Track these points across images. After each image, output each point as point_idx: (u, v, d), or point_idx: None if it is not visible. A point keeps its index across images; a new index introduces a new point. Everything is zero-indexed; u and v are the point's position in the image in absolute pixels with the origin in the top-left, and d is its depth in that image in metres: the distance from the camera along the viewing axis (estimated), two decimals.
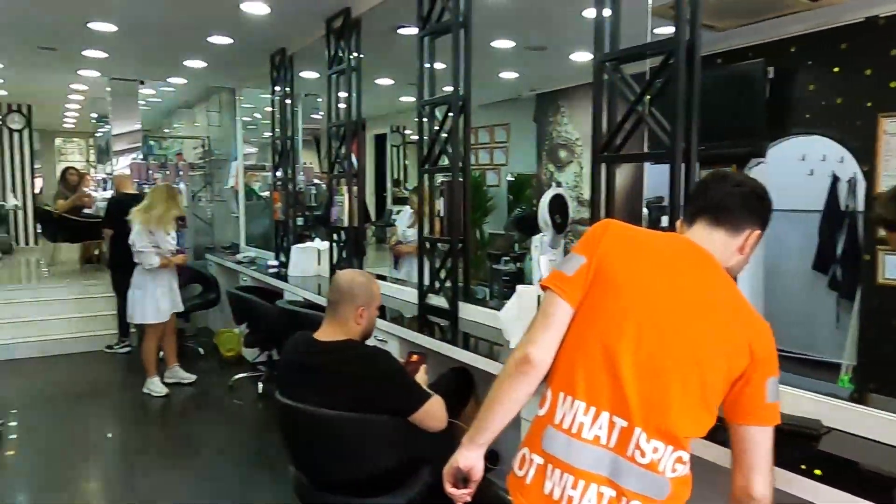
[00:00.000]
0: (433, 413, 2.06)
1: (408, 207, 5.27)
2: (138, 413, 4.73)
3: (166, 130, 10.65)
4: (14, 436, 4.16)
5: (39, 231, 9.44)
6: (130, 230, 4.85)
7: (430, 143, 3.28)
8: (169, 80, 6.80)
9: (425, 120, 3.33)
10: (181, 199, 5.38)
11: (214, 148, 7.79)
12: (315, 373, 2.08)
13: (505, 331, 2.52)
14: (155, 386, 4.92)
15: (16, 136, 10.85)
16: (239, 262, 5.78)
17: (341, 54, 4.25)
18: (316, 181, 6.90)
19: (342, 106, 4.34)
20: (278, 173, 5.58)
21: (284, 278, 4.85)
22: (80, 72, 6.47)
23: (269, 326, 4.52)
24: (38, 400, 4.97)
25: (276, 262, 5.40)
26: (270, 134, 6.15)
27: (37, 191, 11.58)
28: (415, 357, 2.42)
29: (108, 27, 4.64)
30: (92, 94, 8.76)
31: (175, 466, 3.76)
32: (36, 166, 11.65)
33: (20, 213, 10.80)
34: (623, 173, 2.54)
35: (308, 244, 5.06)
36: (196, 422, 4.60)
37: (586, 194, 5.66)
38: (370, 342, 2.27)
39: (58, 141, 15.19)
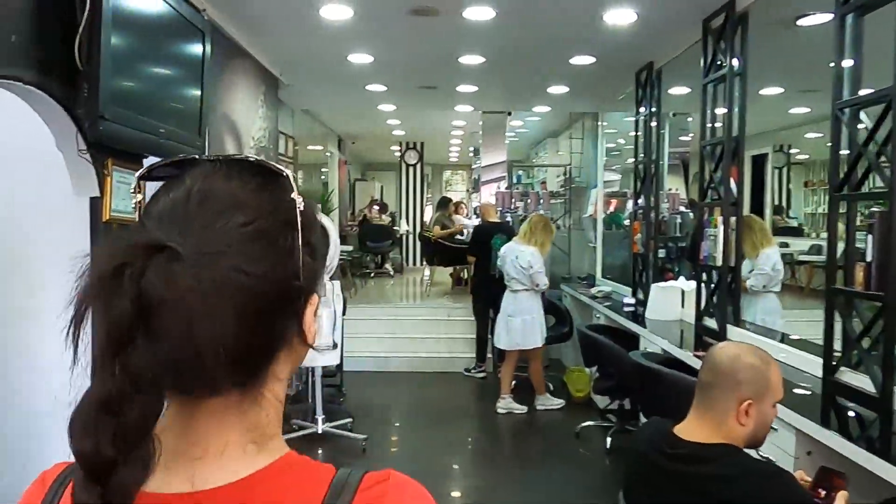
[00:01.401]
0: None
1: None
2: (489, 435, 5.01)
3: (533, 160, 11.03)
4: (395, 437, 4.86)
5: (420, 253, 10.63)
6: (492, 257, 5.15)
7: (851, 160, 2.38)
8: (534, 109, 6.84)
9: (843, 127, 2.44)
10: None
11: (575, 175, 7.61)
12: (675, 482, 1.48)
13: None
14: (548, 402, 5.21)
15: (411, 169, 12.50)
16: (593, 297, 5.39)
17: (720, 60, 3.53)
18: (682, 209, 6.15)
19: (718, 124, 3.61)
20: (640, 201, 5.04)
21: (641, 320, 4.28)
22: (456, 108, 6.92)
23: (622, 377, 3.99)
24: (410, 410, 5.57)
25: (632, 300, 4.86)
26: (633, 159, 5.68)
27: (426, 218, 13.17)
28: (836, 479, 1.55)
29: (476, 59, 4.73)
30: (469, 128, 9.49)
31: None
32: (427, 196, 13.27)
33: (410, 237, 12.34)
34: None
35: (671, 283, 4.38)
36: (539, 465, 4.36)
37: None
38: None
39: (446, 173, 17.18)
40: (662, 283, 4.32)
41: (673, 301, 4.22)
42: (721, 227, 3.51)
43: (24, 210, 2.82)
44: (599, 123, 6.62)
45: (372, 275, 10.09)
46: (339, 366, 5.10)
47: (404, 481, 0.57)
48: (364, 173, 14.97)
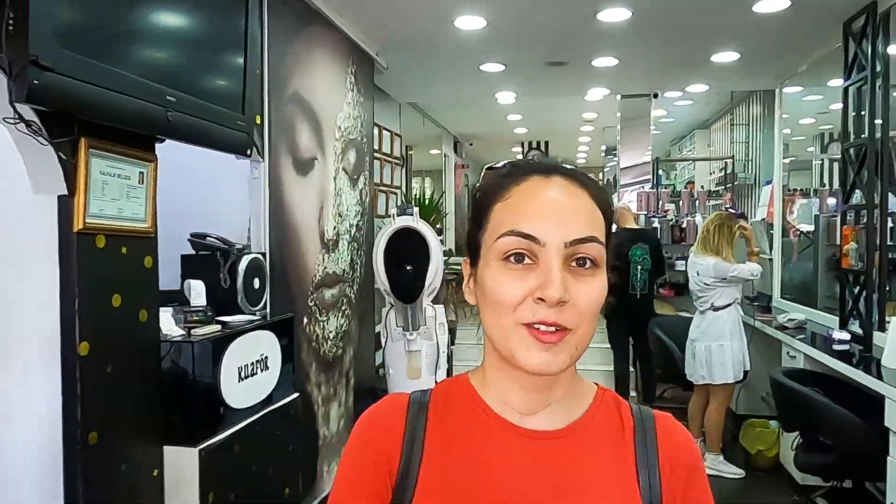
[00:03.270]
0: None
1: None
2: None
3: (675, 157, 9.56)
4: None
5: None
6: (630, 271, 4.48)
7: None
8: (687, 88, 5.53)
9: None
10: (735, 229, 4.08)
11: (739, 171, 6.19)
12: None
13: None
14: (721, 468, 3.99)
15: None
16: (782, 328, 4.03)
17: None
18: None
19: None
20: (854, 197, 3.65)
21: (873, 369, 2.94)
22: (589, 92, 5.76)
23: (851, 454, 2.70)
24: None
25: (845, 336, 3.49)
26: (815, 147, 4.35)
27: None
28: None
29: (621, 13, 3.59)
30: (601, 122, 8.27)
31: None
32: None
33: None
34: None
35: None
36: None
37: None
38: None
39: None
40: None
41: None
42: None
43: None
44: (777, 101, 5.20)
45: None
46: None
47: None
48: None
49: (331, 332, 3.54)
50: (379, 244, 3.32)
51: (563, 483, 0.71)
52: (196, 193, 2.80)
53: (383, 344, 3.49)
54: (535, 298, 0.65)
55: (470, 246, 0.76)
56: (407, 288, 3.26)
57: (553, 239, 0.66)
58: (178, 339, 2.12)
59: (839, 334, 3.51)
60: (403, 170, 7.56)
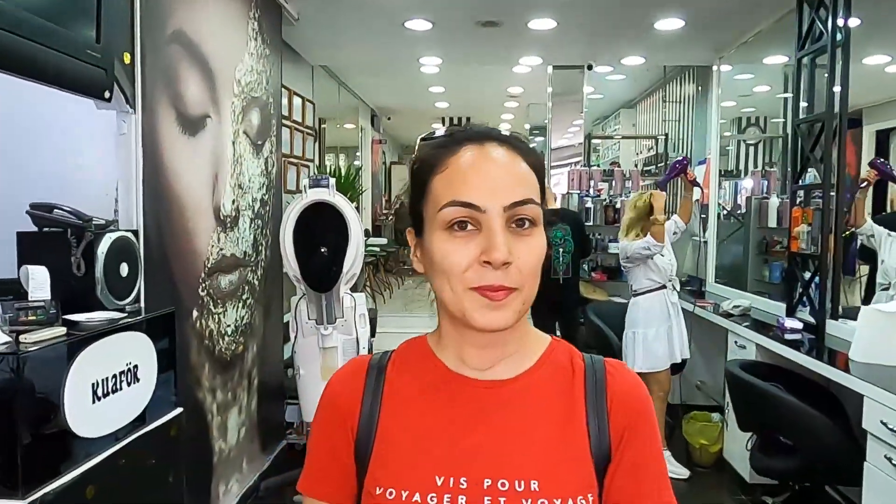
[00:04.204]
0: None
1: None
2: None
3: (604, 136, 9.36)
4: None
5: None
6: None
7: None
8: (623, 61, 5.22)
9: None
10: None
11: (670, 151, 5.98)
12: None
13: None
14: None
15: None
16: (727, 315, 3.78)
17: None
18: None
19: None
20: (805, 177, 3.43)
21: (833, 360, 2.71)
22: (522, 59, 5.35)
23: (816, 451, 2.44)
24: None
25: (797, 325, 3.26)
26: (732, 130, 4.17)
27: None
28: None
29: None
30: (527, 98, 7.94)
31: None
32: None
33: None
34: None
35: (883, 306, 2.76)
36: None
37: None
38: None
39: None
40: (882, 306, 2.69)
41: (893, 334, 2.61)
42: None
43: None
44: (715, 78, 4.97)
45: (411, 273, 8.63)
46: None
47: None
48: (401, 156, 13.52)
49: (228, 326, 2.97)
50: (287, 222, 2.77)
51: (511, 427, 0.75)
52: (44, 152, 2.16)
53: (292, 339, 2.95)
54: (482, 262, 0.69)
55: (413, 216, 0.77)
56: (321, 274, 2.73)
57: (492, 205, 0.69)
58: (1, 349, 1.53)
59: (791, 322, 3.28)
60: (317, 143, 6.96)
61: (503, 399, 0.75)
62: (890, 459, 2.18)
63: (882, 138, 7.40)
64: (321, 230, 2.76)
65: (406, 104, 8.80)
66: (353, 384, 0.79)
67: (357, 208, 8.18)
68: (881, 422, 2.21)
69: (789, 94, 3.99)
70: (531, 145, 0.76)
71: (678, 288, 3.92)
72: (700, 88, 5.51)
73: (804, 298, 3.39)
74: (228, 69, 2.95)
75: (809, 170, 3.42)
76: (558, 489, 0.71)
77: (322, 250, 2.75)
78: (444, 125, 10.64)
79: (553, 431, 0.75)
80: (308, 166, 5.30)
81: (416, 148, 0.80)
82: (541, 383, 0.77)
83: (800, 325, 3.25)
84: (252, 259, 3.23)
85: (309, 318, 2.85)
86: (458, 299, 0.70)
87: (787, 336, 3.21)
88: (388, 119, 9.82)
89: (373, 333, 4.04)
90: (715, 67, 4.95)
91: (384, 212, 9.33)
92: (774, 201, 4.82)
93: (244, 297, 3.15)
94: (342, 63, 5.99)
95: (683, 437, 3.91)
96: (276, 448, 3.67)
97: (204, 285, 2.69)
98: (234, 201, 3.03)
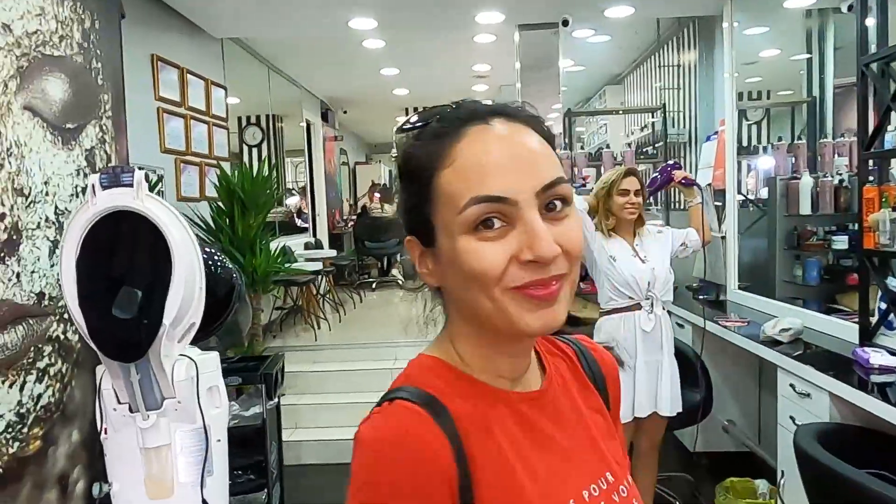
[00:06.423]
0: None
1: None
2: None
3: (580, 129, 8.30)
4: None
5: None
6: None
7: None
8: (606, 12, 4.11)
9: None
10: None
11: (669, 127, 4.90)
12: None
13: None
14: None
15: None
16: (772, 342, 2.67)
17: None
18: None
19: None
20: (882, 142, 2.36)
21: None
22: (478, 20, 4.25)
23: None
24: None
25: (889, 362, 2.18)
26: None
27: None
28: None
29: None
30: (496, 80, 6.91)
31: None
32: None
33: None
34: None
35: None
36: None
37: None
38: None
39: None
40: None
41: None
42: None
43: None
44: (727, 24, 3.88)
45: (374, 285, 7.51)
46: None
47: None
48: (369, 156, 12.42)
49: (4, 414, 1.85)
50: (65, 244, 1.66)
51: (574, 429, 0.71)
52: None
53: (100, 432, 1.83)
54: (524, 261, 0.59)
55: (415, 223, 0.65)
56: (121, 330, 1.62)
57: (523, 194, 0.59)
58: None
59: (878, 357, 2.20)
60: (273, 146, 5.88)
61: (550, 405, 0.70)
62: None
63: None
64: (126, 257, 1.65)
65: (359, 93, 7.69)
66: (430, 428, 0.60)
67: (308, 218, 7.03)
68: None
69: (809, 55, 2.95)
70: (537, 112, 0.65)
71: (665, 308, 2.71)
72: (703, 52, 4.45)
73: (889, 318, 2.31)
74: None
75: (890, 131, 2.36)
76: (624, 470, 0.72)
77: (128, 289, 1.64)
78: (408, 116, 9.57)
79: (592, 416, 0.73)
80: (217, 167, 4.19)
81: (397, 142, 0.68)
82: (563, 381, 0.73)
83: (894, 362, 2.17)
84: (57, 303, 2.11)
85: (120, 402, 1.74)
86: (500, 307, 0.60)
87: (874, 378, 2.13)
88: (345, 112, 8.69)
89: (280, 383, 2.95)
90: (726, 24, 3.86)
91: (344, 218, 8.22)
92: (807, 181, 3.78)
93: (41, 363, 2.02)
94: (256, 34, 4.83)
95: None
96: None
97: None
98: (11, 216, 1.91)
